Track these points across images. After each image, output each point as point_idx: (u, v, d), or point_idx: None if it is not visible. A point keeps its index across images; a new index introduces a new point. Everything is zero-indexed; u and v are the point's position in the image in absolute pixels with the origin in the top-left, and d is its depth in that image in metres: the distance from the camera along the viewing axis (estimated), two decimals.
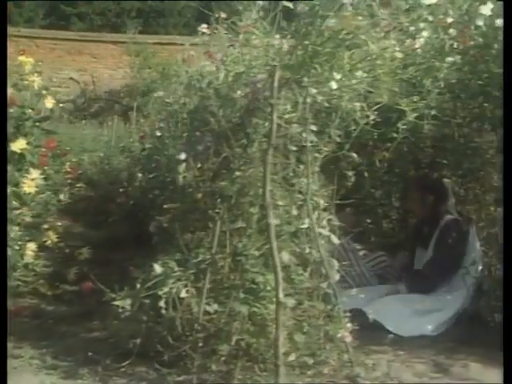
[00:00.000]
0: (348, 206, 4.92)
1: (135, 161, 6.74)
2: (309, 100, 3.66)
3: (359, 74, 3.90)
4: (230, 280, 3.40)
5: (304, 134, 3.64)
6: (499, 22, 3.94)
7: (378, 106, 4.05)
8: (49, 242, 4.81)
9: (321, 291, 3.67)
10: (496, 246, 4.43)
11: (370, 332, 4.16)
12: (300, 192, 3.77)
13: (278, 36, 3.79)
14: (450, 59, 4.05)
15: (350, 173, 4.38)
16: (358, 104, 3.89)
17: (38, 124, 5.18)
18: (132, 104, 11.73)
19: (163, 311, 3.34)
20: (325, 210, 3.83)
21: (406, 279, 4.72)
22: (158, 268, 3.38)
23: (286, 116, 3.52)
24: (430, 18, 3.98)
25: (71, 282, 4.81)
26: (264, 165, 3.27)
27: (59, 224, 5.13)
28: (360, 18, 3.71)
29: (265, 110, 3.53)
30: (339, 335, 3.55)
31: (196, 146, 3.65)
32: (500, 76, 4.02)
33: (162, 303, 3.33)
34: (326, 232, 3.81)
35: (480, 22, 3.96)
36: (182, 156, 3.63)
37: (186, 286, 3.39)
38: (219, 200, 3.53)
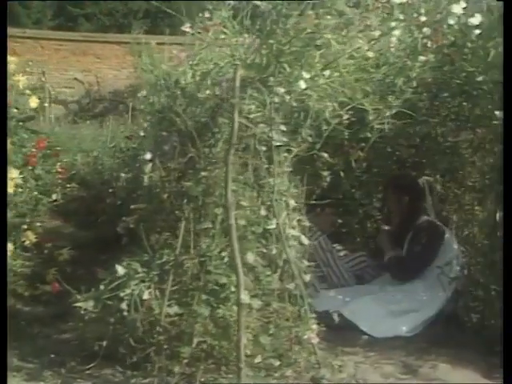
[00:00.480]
0: (328, 206, 4.90)
1: (124, 161, 6.74)
2: (277, 100, 3.63)
3: (330, 73, 3.89)
4: (193, 281, 3.37)
5: (271, 134, 3.61)
6: (473, 20, 3.91)
7: (350, 106, 4.04)
8: (27, 242, 4.80)
9: (289, 292, 3.65)
10: (474, 246, 4.39)
11: (344, 333, 4.19)
12: (272, 192, 3.76)
13: (247, 35, 3.76)
14: (422, 58, 4.01)
15: (325, 173, 4.37)
16: (329, 104, 3.86)
17: (21, 123, 5.19)
18: (135, 104, 11.72)
19: (125, 313, 3.31)
20: (294, 210, 3.81)
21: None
22: (120, 269, 3.36)
23: (252, 116, 3.49)
24: (401, 17, 3.92)
25: (50, 283, 4.77)
26: (226, 165, 3.24)
27: (39, 224, 5.12)
28: (329, 17, 3.69)
29: (230, 110, 3.50)
30: (306, 337, 3.52)
31: (162, 146, 3.63)
32: (475, 75, 4.00)
33: (124, 305, 3.31)
34: (295, 232, 3.79)
35: (452, 21, 3.92)
36: (148, 156, 3.61)
37: (149, 287, 3.37)
38: (185, 200, 3.51)
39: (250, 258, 3.45)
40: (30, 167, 5.33)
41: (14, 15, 20.72)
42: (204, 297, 3.30)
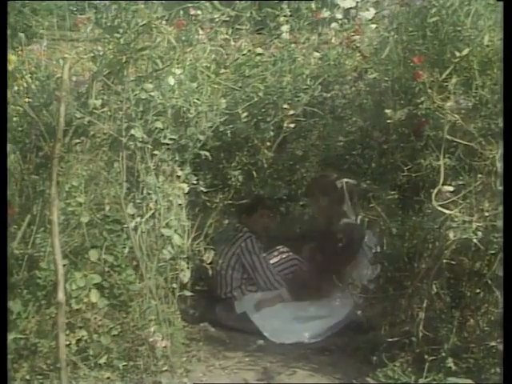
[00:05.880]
0: (262, 208, 4.76)
1: None
2: (144, 96, 3.55)
3: (217, 69, 3.80)
4: (21, 276, 3.34)
5: (135, 131, 3.54)
6: (366, 14, 3.71)
7: (249, 104, 3.94)
8: None
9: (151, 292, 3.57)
10: (393, 251, 4.13)
11: (248, 337, 4.19)
12: (147, 191, 3.69)
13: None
14: (317, 54, 3.84)
15: (236, 172, 4.27)
16: (223, 101, 3.76)
17: None
18: None
19: None
20: (170, 209, 3.72)
21: None
22: None
23: (99, 111, 3.41)
24: (288, 12, 3.75)
25: None
26: (51, 159, 3.18)
27: None
28: (199, 12, 3.60)
29: (87, 107, 3.44)
30: (151, 339, 3.43)
31: (24, 139, 3.61)
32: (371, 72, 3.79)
33: None
34: (168, 232, 3.70)
35: (339, 15, 3.72)
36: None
37: None
38: (34, 194, 3.49)
39: (94, 255, 3.39)
40: None
41: None
42: (25, 293, 3.26)
